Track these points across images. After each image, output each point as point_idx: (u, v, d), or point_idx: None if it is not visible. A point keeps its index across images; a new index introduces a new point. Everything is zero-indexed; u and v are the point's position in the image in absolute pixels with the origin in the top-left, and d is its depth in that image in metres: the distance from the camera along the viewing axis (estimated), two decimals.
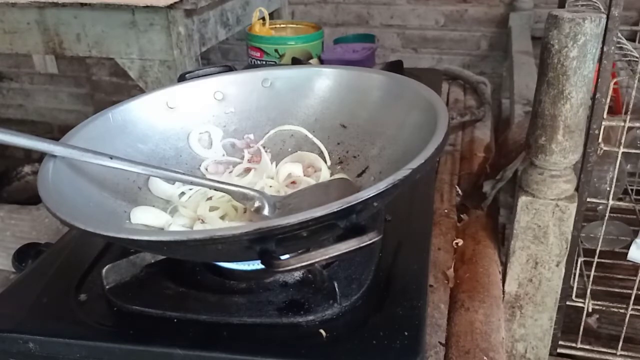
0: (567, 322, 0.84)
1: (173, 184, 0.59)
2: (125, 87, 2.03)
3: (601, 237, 0.76)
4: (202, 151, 0.64)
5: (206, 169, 0.64)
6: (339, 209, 0.39)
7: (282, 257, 0.39)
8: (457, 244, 0.73)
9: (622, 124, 0.69)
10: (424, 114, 0.54)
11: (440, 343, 0.57)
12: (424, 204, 0.63)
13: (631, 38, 1.20)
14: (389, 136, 0.58)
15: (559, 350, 0.85)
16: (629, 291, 0.80)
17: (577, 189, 0.69)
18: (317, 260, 0.39)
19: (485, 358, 0.56)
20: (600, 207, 0.84)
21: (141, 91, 0.93)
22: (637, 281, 0.78)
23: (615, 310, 0.82)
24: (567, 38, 0.58)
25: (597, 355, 0.86)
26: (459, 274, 0.68)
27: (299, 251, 0.41)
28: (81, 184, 0.52)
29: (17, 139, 0.48)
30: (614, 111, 0.96)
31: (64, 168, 0.50)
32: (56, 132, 2.25)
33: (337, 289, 0.46)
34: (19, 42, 1.32)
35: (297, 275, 0.51)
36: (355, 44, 1.18)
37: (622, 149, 0.71)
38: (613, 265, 0.90)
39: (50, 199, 0.45)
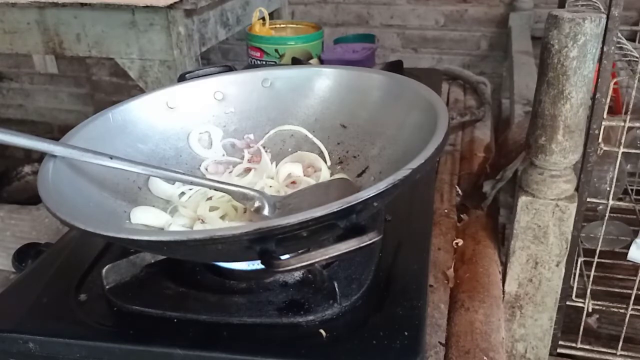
0: (567, 322, 0.84)
1: (173, 184, 0.59)
2: (125, 87, 2.03)
3: (601, 237, 0.76)
4: (202, 151, 0.64)
5: (206, 169, 0.64)
6: (339, 209, 0.39)
7: (282, 257, 0.39)
8: (457, 244, 0.73)
9: (622, 124, 0.69)
10: (424, 114, 0.54)
11: (440, 343, 0.57)
12: (424, 204, 0.63)
13: (631, 38, 1.20)
14: (389, 136, 0.58)
15: (559, 350, 0.85)
16: (629, 291, 0.80)
17: (577, 189, 0.69)
18: (317, 260, 0.39)
19: (485, 358, 0.56)
20: (600, 207, 0.84)
21: (141, 91, 0.93)
22: (637, 281, 0.78)
23: (615, 310, 0.82)
24: (567, 38, 0.58)
25: (597, 355, 0.86)
26: (459, 274, 0.68)
27: (299, 251, 0.41)
28: (81, 184, 0.52)
29: (17, 139, 0.48)
30: (614, 111, 0.96)
31: (64, 168, 0.50)
32: (56, 132, 2.25)
33: (337, 289, 0.46)
34: (19, 42, 1.32)
35: (297, 275, 0.51)
36: (355, 44, 1.18)
37: (622, 149, 0.71)
38: (613, 265, 0.90)
39: (50, 199, 0.45)
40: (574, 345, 0.85)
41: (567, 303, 0.80)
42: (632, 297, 0.79)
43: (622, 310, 0.81)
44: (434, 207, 0.74)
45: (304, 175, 0.62)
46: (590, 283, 0.80)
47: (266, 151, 0.65)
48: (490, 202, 0.79)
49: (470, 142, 0.99)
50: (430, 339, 0.57)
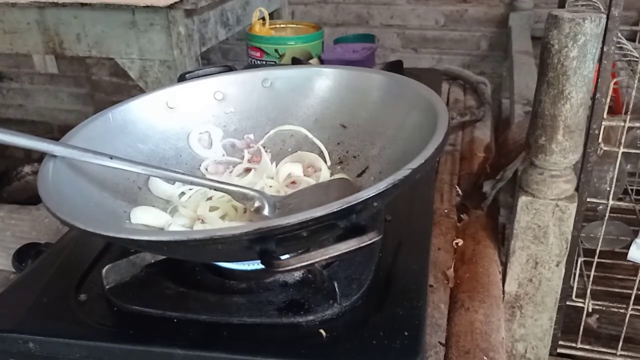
0: (567, 322, 0.84)
1: (173, 184, 0.59)
2: (125, 87, 2.03)
3: (601, 237, 0.76)
4: (202, 151, 0.64)
5: (206, 169, 0.64)
6: (339, 209, 0.39)
7: (282, 257, 0.39)
8: (457, 244, 0.73)
9: (622, 124, 0.69)
10: (424, 114, 0.54)
11: (440, 343, 0.57)
12: (424, 204, 0.63)
13: (631, 38, 1.20)
14: (389, 136, 0.58)
15: (559, 350, 0.85)
16: (629, 291, 0.80)
17: (577, 189, 0.69)
18: (317, 260, 0.39)
19: (485, 358, 0.56)
20: (600, 207, 0.84)
21: (141, 91, 0.93)
22: (637, 281, 0.78)
23: (615, 310, 0.82)
24: (567, 38, 0.58)
25: (597, 355, 0.86)
26: (459, 274, 0.68)
27: (299, 251, 0.42)
28: (81, 184, 0.52)
29: (17, 139, 0.48)
30: (614, 111, 0.96)
31: (64, 168, 0.50)
32: (56, 132, 2.25)
33: (337, 289, 0.46)
34: (19, 42, 1.32)
35: (297, 275, 0.51)
36: (355, 44, 1.18)
37: (622, 149, 0.71)
38: (613, 265, 0.90)
39: (50, 199, 0.45)
40: (574, 345, 0.85)
41: (567, 303, 0.80)
42: (632, 297, 0.79)
43: (622, 310, 0.81)
44: (434, 207, 0.74)
45: (304, 175, 0.62)
46: (590, 283, 0.80)
47: (266, 151, 0.65)
48: (490, 202, 0.79)
49: (470, 142, 0.99)
50: (430, 339, 0.57)
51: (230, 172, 0.63)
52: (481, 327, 0.60)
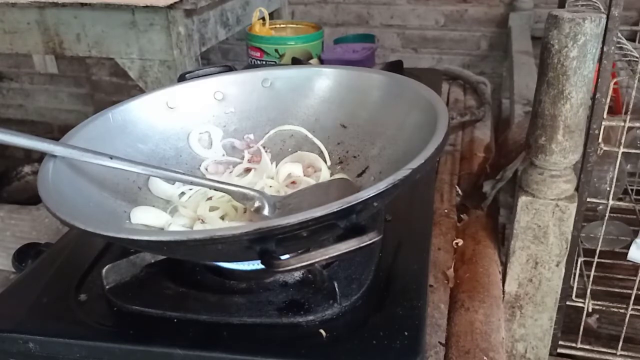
0: (567, 322, 0.84)
1: (173, 184, 0.59)
2: (125, 87, 2.03)
3: (601, 237, 0.76)
4: (202, 151, 0.64)
5: (206, 169, 0.64)
6: (339, 209, 0.39)
7: (282, 257, 0.39)
8: (457, 244, 0.73)
9: (622, 124, 0.69)
10: (424, 114, 0.54)
11: (440, 343, 0.57)
12: (424, 204, 0.63)
13: (631, 38, 1.20)
14: (389, 136, 0.58)
15: (559, 350, 0.85)
16: (629, 291, 0.80)
17: (577, 189, 0.69)
18: (317, 260, 0.39)
19: (485, 358, 0.56)
20: (600, 207, 0.84)
21: (141, 91, 0.93)
22: (637, 281, 0.78)
23: (615, 310, 0.82)
24: (567, 38, 0.58)
25: (597, 355, 0.86)
26: (459, 274, 0.68)
27: (299, 251, 0.42)
28: (81, 184, 0.52)
29: (17, 139, 0.48)
30: (614, 111, 0.96)
31: (64, 168, 0.50)
32: (56, 132, 2.25)
33: (337, 289, 0.46)
34: (19, 42, 1.32)
35: (297, 275, 0.51)
36: (355, 44, 1.18)
37: (622, 149, 0.71)
38: (613, 265, 0.90)
39: (50, 199, 0.45)
40: (574, 345, 0.85)
41: (567, 303, 0.80)
42: (632, 297, 0.79)
43: (622, 310, 0.81)
44: (434, 207, 0.74)
45: (304, 175, 0.62)
46: (590, 283, 0.80)
47: (266, 151, 0.65)
48: (490, 202, 0.79)
49: (470, 142, 0.99)
50: (430, 339, 0.57)
51: (230, 172, 0.63)
52: (481, 327, 0.60)
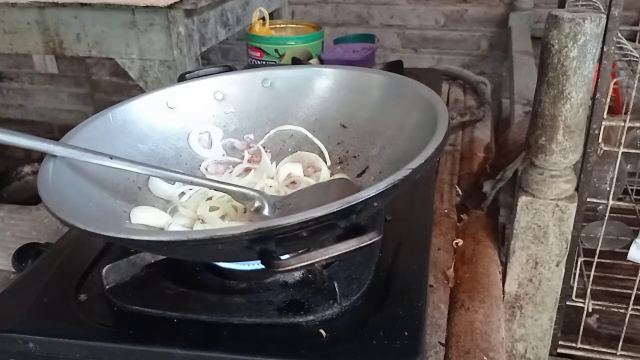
0: (567, 322, 0.84)
1: (173, 184, 0.59)
2: (125, 87, 2.03)
3: (601, 237, 0.76)
4: (202, 151, 0.64)
5: (206, 169, 0.64)
6: (339, 209, 0.39)
7: (282, 257, 0.39)
8: (457, 244, 0.73)
9: (622, 124, 0.69)
10: (424, 114, 0.54)
11: (440, 343, 0.57)
12: (424, 204, 0.63)
13: (631, 38, 1.20)
14: (389, 136, 0.58)
15: (559, 350, 0.85)
16: (629, 291, 0.80)
17: (577, 189, 0.69)
18: (317, 260, 0.39)
19: (485, 358, 0.56)
20: (600, 207, 0.84)
21: (141, 91, 0.93)
22: (637, 281, 0.78)
23: (615, 310, 0.82)
24: (567, 38, 0.58)
25: (597, 355, 0.86)
26: (459, 274, 0.68)
27: (299, 251, 0.41)
28: (81, 184, 0.52)
29: (17, 139, 0.48)
30: (614, 111, 0.96)
31: (64, 168, 0.50)
32: (56, 132, 2.25)
33: (337, 289, 0.46)
34: (19, 42, 1.32)
35: (297, 275, 0.51)
36: (355, 44, 1.18)
37: (622, 149, 0.71)
38: (613, 265, 0.90)
39: (50, 199, 0.45)
40: (574, 345, 0.85)
41: (567, 303, 0.80)
42: (632, 297, 0.79)
43: (622, 310, 0.81)
44: (434, 207, 0.74)
45: (304, 175, 0.62)
46: (590, 283, 0.80)
47: (266, 151, 0.65)
48: (490, 202, 0.79)
49: (470, 142, 0.99)
50: (430, 339, 0.57)
51: (230, 172, 0.63)
52: (481, 327, 0.60)
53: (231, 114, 0.67)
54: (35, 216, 1.19)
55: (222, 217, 0.56)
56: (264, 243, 0.39)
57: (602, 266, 0.84)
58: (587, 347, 0.85)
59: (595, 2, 0.76)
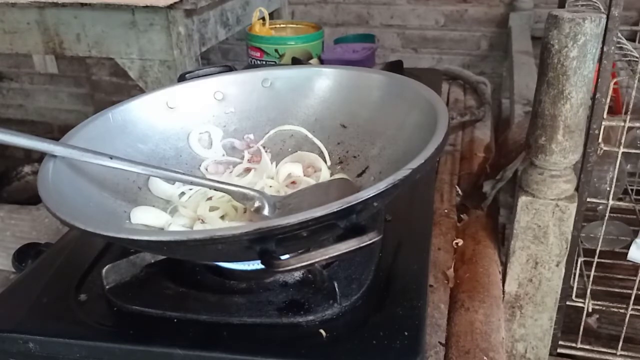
0: (567, 322, 0.84)
1: (173, 184, 0.59)
2: (125, 87, 2.03)
3: (601, 237, 0.76)
4: (202, 151, 0.64)
5: (206, 169, 0.64)
6: (339, 209, 0.39)
7: (282, 257, 0.39)
8: (457, 244, 0.73)
9: (622, 124, 0.69)
10: (424, 114, 0.54)
11: (440, 343, 0.57)
12: (424, 204, 0.63)
13: (631, 38, 1.20)
14: (389, 136, 0.58)
15: (559, 350, 0.85)
16: (629, 291, 0.80)
17: (577, 189, 0.69)
18: (317, 260, 0.39)
19: (485, 358, 0.56)
20: (600, 207, 0.84)
21: (141, 91, 0.93)
22: (637, 281, 0.78)
23: (615, 310, 0.82)
24: (567, 38, 0.58)
25: (597, 355, 0.86)
26: (459, 274, 0.68)
27: (299, 251, 0.41)
28: (81, 184, 0.52)
29: (17, 139, 0.48)
30: (614, 111, 0.96)
31: (64, 168, 0.50)
32: (56, 132, 2.25)
33: (337, 289, 0.46)
34: (19, 42, 1.32)
35: (297, 275, 0.51)
36: (355, 44, 1.18)
37: (622, 149, 0.71)
38: (613, 265, 0.90)
39: (50, 199, 0.45)
40: (574, 345, 0.85)
41: (567, 303, 0.80)
42: (632, 297, 0.79)
43: (622, 310, 0.81)
44: (434, 207, 0.74)
45: (304, 175, 0.62)
46: (590, 283, 0.80)
47: (266, 151, 0.65)
48: (490, 202, 0.79)
49: (470, 142, 0.99)
50: (430, 339, 0.57)
51: (230, 172, 0.63)
52: (481, 327, 0.60)
53: (231, 114, 0.67)
54: (35, 216, 1.19)
55: (222, 217, 0.56)
56: (264, 243, 0.39)
57: (602, 266, 0.84)
58: (587, 347, 0.85)
59: (595, 2, 0.76)
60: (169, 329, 0.47)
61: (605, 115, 0.67)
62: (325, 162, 0.62)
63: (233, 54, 2.02)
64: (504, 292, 0.73)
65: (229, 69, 0.69)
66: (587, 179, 0.70)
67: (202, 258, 0.51)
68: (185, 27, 1.21)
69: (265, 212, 0.53)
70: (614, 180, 0.75)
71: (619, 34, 0.70)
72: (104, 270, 0.50)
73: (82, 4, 1.21)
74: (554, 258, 0.69)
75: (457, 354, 0.56)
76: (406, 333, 0.44)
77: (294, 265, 0.39)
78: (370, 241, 0.39)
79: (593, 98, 0.66)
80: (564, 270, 0.71)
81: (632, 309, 0.80)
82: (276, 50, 1.14)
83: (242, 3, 1.45)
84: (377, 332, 0.45)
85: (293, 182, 0.61)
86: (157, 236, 0.44)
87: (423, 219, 0.60)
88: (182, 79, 0.67)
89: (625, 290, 0.83)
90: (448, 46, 1.85)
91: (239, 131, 0.67)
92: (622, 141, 0.70)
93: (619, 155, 0.71)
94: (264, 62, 1.16)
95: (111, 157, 0.51)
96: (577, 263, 0.78)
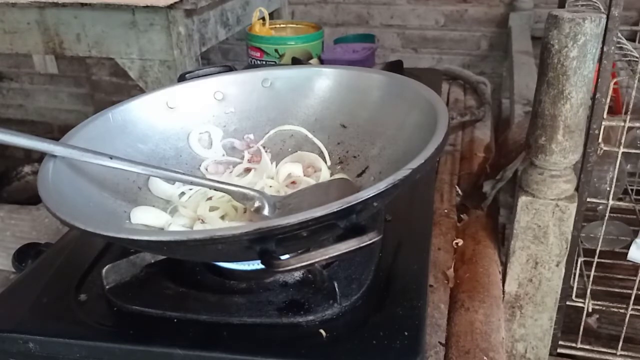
0: (567, 322, 0.84)
1: (173, 184, 0.59)
2: (125, 87, 2.03)
3: (601, 237, 0.76)
4: (202, 151, 0.64)
5: (206, 169, 0.64)
6: (339, 209, 0.39)
7: (282, 257, 0.39)
8: (457, 244, 0.73)
9: (622, 124, 0.69)
10: (424, 114, 0.54)
11: (440, 343, 0.57)
12: (424, 204, 0.63)
13: (631, 38, 1.20)
14: (389, 136, 0.58)
15: (559, 350, 0.85)
16: (629, 291, 0.80)
17: (577, 189, 0.69)
18: (317, 260, 0.39)
19: (485, 358, 0.56)
20: (600, 207, 0.84)
21: (141, 91, 0.93)
22: (637, 281, 0.78)
23: (615, 310, 0.82)
24: (567, 38, 0.58)
25: (597, 355, 0.86)
26: (459, 274, 0.68)
27: (299, 251, 0.41)
28: (81, 184, 0.52)
29: (17, 139, 0.48)
30: (614, 111, 0.96)
31: (64, 168, 0.50)
32: (56, 132, 2.25)
33: (337, 289, 0.46)
34: (19, 42, 1.32)
35: (297, 275, 0.51)
36: (355, 44, 1.18)
37: (622, 149, 0.71)
38: (613, 265, 0.90)
39: (50, 199, 0.45)
40: (574, 345, 0.85)
41: (567, 303, 0.80)
42: (632, 297, 0.79)
43: (622, 310, 0.81)
44: (434, 207, 0.74)
45: (304, 175, 0.62)
46: (590, 283, 0.80)
47: (266, 151, 0.65)
48: (490, 202, 0.79)
49: (470, 142, 0.99)
50: (430, 339, 0.57)
51: (230, 172, 0.63)
52: (481, 327, 0.60)
53: (231, 114, 0.67)
54: (35, 216, 1.19)
55: (222, 217, 0.56)
56: (264, 243, 0.39)
57: (602, 266, 0.84)
58: (587, 347, 0.85)
59: (595, 2, 0.76)
60: (169, 329, 0.47)
61: (605, 115, 0.67)
62: (325, 162, 0.62)
63: (233, 54, 2.02)
64: (504, 292, 0.73)
65: (229, 69, 0.69)
66: (587, 179, 0.70)
67: (202, 258, 0.51)
68: (185, 27, 1.21)
69: (265, 212, 0.53)
70: (614, 180, 0.75)
71: (619, 34, 0.70)
72: (104, 270, 0.50)
73: (82, 4, 1.21)
74: (554, 258, 0.69)
75: (457, 354, 0.56)
76: (406, 333, 0.44)
77: (294, 265, 0.39)
78: (370, 241, 0.39)
79: (593, 98, 0.66)
80: (564, 270, 0.71)
81: (632, 309, 0.80)
82: (276, 50, 1.14)
83: (242, 3, 1.45)
84: (377, 332, 0.45)
85: (293, 182, 0.61)
86: (157, 236, 0.44)
87: (423, 219, 0.60)
88: (182, 79, 0.67)
89: (625, 290, 0.83)
90: (448, 46, 1.85)
91: (239, 131, 0.67)
92: (622, 141, 0.70)
93: (619, 155, 0.71)
94: (264, 62, 1.16)
95: (111, 157, 0.51)
96: (577, 263, 0.78)
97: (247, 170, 0.63)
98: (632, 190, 1.01)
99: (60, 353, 0.47)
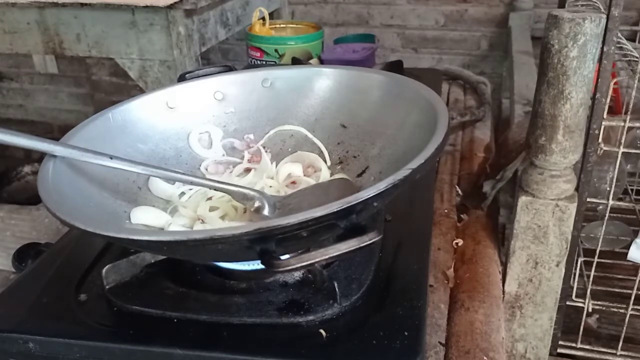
0: (567, 322, 0.84)
1: (173, 184, 0.59)
2: (125, 87, 2.03)
3: (601, 237, 0.76)
4: (202, 151, 0.64)
5: (206, 169, 0.64)
6: (339, 209, 0.39)
7: (282, 257, 0.39)
8: (457, 244, 0.73)
9: (622, 124, 0.69)
10: (424, 114, 0.54)
11: (440, 343, 0.57)
12: (424, 204, 0.63)
13: (631, 38, 1.20)
14: (389, 136, 0.58)
15: (559, 350, 0.85)
16: (629, 291, 0.80)
17: (577, 189, 0.69)
18: (317, 260, 0.39)
19: (485, 358, 0.56)
20: (600, 207, 0.84)
21: (141, 91, 0.93)
22: (637, 281, 0.78)
23: (615, 310, 0.82)
24: (567, 38, 0.58)
25: (597, 355, 0.86)
26: (459, 274, 0.68)
27: (299, 251, 0.41)
28: (81, 184, 0.52)
29: (17, 139, 0.48)
30: (614, 111, 0.96)
31: (64, 168, 0.50)
32: (56, 132, 2.25)
33: (337, 289, 0.46)
34: (19, 42, 1.32)
35: (297, 275, 0.51)
36: (355, 44, 1.18)
37: (622, 149, 0.71)
38: (613, 265, 0.90)
39: (50, 199, 0.45)
40: (574, 345, 0.85)
41: (567, 303, 0.80)
42: (632, 297, 0.79)
43: (622, 310, 0.81)
44: (434, 207, 0.74)
45: (304, 175, 0.62)
46: (590, 283, 0.80)
47: (266, 151, 0.65)
48: (490, 202, 0.79)
49: (470, 142, 0.99)
50: (430, 339, 0.57)
51: (230, 172, 0.63)
52: (481, 327, 0.60)
53: (231, 114, 0.67)
54: (35, 216, 1.19)
55: (222, 217, 0.56)
56: (264, 243, 0.39)
57: (602, 266, 0.85)
58: (587, 347, 0.85)
59: (595, 2, 0.76)
60: (169, 329, 0.47)
61: (605, 115, 0.67)
62: (325, 162, 0.62)
63: (233, 54, 2.02)
64: (504, 292, 0.73)
65: (229, 69, 0.69)
66: (587, 179, 0.70)
67: (202, 258, 0.51)
68: (185, 27, 1.21)
69: (265, 212, 0.53)
70: (614, 180, 0.75)
71: (619, 34, 0.70)
72: (104, 270, 0.50)
73: (82, 4, 1.21)
74: (554, 258, 0.69)
75: (457, 354, 0.56)
76: (406, 333, 0.44)
77: (294, 265, 0.39)
78: (370, 241, 0.39)
79: (593, 98, 0.66)
80: (564, 270, 0.71)
81: (632, 309, 0.80)
82: (276, 50, 1.14)
83: (242, 3, 1.45)
84: (377, 332, 0.45)
85: (293, 182, 0.61)
86: (157, 236, 0.44)
87: (423, 219, 0.60)
88: (182, 79, 0.67)
89: (625, 290, 0.83)
90: (448, 46, 1.85)
91: (239, 131, 0.67)
92: (622, 141, 0.70)
93: (619, 155, 0.71)
94: (264, 62, 1.16)
95: (111, 157, 0.51)
96: (577, 263, 0.78)
97: (247, 170, 0.63)
98: (632, 190, 1.01)
99: (60, 353, 0.47)
